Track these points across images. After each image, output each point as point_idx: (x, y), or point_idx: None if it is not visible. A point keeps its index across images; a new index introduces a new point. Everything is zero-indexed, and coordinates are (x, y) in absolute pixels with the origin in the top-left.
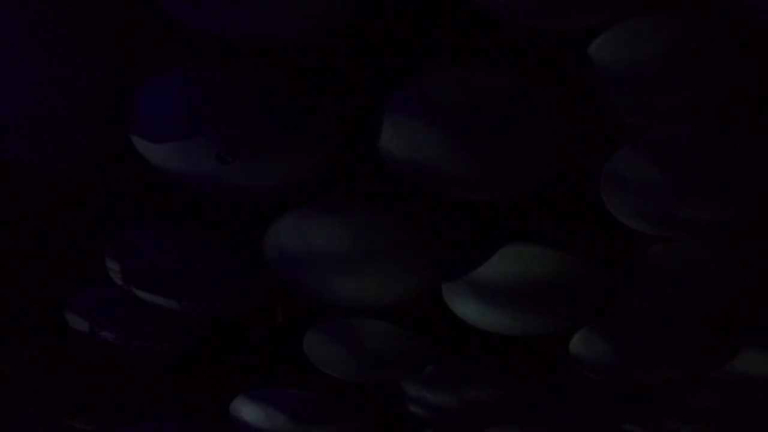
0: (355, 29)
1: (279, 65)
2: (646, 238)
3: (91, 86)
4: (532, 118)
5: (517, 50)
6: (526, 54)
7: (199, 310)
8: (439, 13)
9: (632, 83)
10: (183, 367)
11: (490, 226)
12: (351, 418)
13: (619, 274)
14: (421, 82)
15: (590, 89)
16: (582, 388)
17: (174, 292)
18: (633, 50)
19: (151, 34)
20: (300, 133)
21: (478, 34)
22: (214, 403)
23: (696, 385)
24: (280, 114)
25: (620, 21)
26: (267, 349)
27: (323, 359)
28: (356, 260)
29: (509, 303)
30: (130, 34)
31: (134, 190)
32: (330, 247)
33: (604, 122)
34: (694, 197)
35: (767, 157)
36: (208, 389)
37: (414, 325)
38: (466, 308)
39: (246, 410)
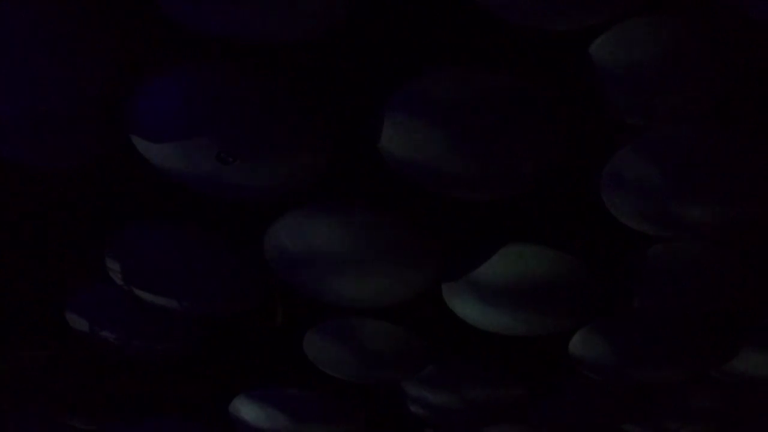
0: (355, 29)
1: (279, 65)
2: (646, 238)
3: (91, 86)
4: (532, 118)
5: (517, 50)
6: (526, 54)
7: (199, 310)
8: (439, 13)
9: (632, 83)
10: (183, 366)
11: (491, 226)
12: (351, 417)
13: (619, 274)
14: (421, 82)
15: (590, 89)
16: (582, 388)
17: (174, 292)
18: (633, 50)
19: (151, 34)
20: (300, 133)
21: (478, 34)
22: (214, 403)
23: (696, 385)
24: (280, 114)
25: (620, 21)
26: (267, 349)
27: (323, 359)
28: (356, 260)
29: (509, 303)
30: (130, 34)
31: (134, 190)
32: (330, 247)
33: (604, 122)
34: (694, 197)
35: (767, 157)
36: (208, 389)
37: (414, 325)
38: (466, 308)
39: (246, 410)
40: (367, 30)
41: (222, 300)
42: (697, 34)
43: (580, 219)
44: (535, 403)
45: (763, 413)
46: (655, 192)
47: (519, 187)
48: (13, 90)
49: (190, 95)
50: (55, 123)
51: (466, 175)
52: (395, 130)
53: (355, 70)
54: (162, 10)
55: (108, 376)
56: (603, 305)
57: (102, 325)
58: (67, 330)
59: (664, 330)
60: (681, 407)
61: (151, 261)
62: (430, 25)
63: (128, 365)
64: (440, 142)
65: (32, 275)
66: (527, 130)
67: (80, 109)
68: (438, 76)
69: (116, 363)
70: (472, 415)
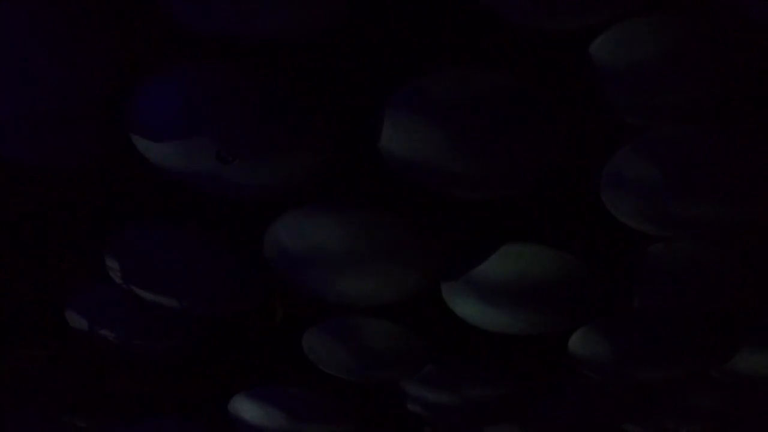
0: (355, 29)
1: (279, 65)
2: (646, 238)
3: (91, 86)
4: (532, 118)
5: (517, 50)
6: (526, 54)
7: (198, 309)
8: (439, 13)
9: (632, 83)
10: (183, 366)
11: (490, 226)
12: (350, 417)
13: (619, 273)
14: (421, 81)
15: (590, 89)
16: (582, 388)
17: (174, 292)
18: (633, 50)
19: (151, 34)
20: (300, 133)
21: (478, 34)
22: (214, 402)
23: (696, 385)
24: (280, 114)
25: (620, 21)
26: (266, 348)
27: (323, 358)
28: (356, 260)
29: (509, 302)
30: (130, 34)
31: (134, 190)
32: (330, 246)
33: (604, 122)
34: (694, 197)
35: (767, 157)
36: (208, 388)
37: (413, 324)
38: (466, 308)
39: (245, 409)
40: (367, 30)
41: (221, 299)
42: (697, 34)
43: (580, 219)
44: (534, 403)
45: (763, 413)
46: (655, 192)
47: (519, 186)
48: (13, 90)
49: (190, 95)
50: (54, 123)
51: (466, 175)
52: (395, 130)
53: (355, 70)
54: (162, 10)
55: (108, 376)
56: (603, 305)
57: (102, 324)
58: (67, 329)
59: (664, 330)
60: (681, 407)
61: (151, 260)
62: (430, 25)
63: (128, 365)
64: (440, 142)
65: (32, 275)
66: (527, 130)
67: (80, 108)
68: (438, 76)
69: (116, 362)
70: (472, 414)
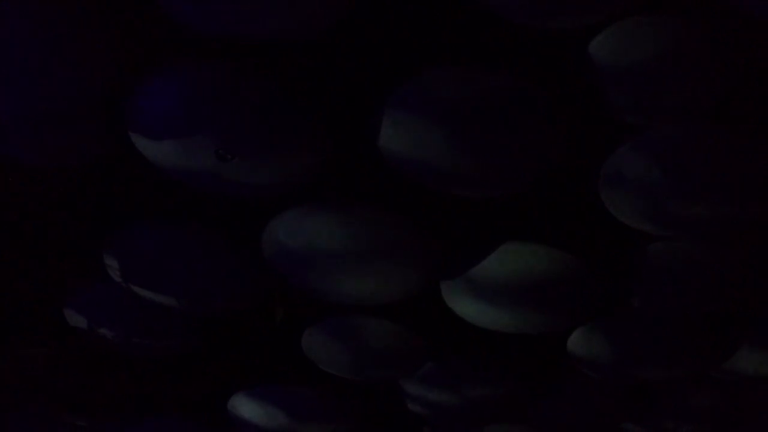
0: (355, 29)
1: (279, 65)
2: (645, 238)
3: (90, 85)
4: (531, 117)
5: (516, 49)
6: (525, 53)
7: (198, 308)
8: (439, 13)
9: (632, 83)
10: (182, 364)
11: (490, 225)
12: (349, 416)
13: (619, 273)
14: (421, 81)
15: (590, 88)
16: (582, 388)
17: (173, 291)
18: (633, 50)
19: (151, 34)
20: (300, 132)
21: (478, 33)
22: (213, 401)
23: (696, 385)
24: (280, 113)
25: (620, 20)
26: (266, 347)
27: (322, 357)
28: (355, 258)
29: (509, 301)
30: (130, 34)
31: (134, 189)
32: (329, 245)
33: (604, 122)
34: (694, 197)
35: (767, 157)
36: (207, 387)
37: (413, 323)
38: (466, 306)
39: (245, 408)
40: (367, 30)
41: (221, 298)
42: (697, 34)
43: (579, 218)
44: (534, 402)
45: (763, 413)
46: (655, 191)
47: (518, 185)
48: (13, 89)
49: (190, 94)
50: (54, 122)
51: (466, 174)
52: (395, 129)
53: (355, 70)
54: (162, 10)
55: (108, 376)
56: (603, 304)
57: (101, 324)
58: (67, 329)
59: (664, 330)
60: (681, 407)
61: (150, 259)
62: (430, 25)
63: (128, 364)
64: (440, 141)
65: (32, 274)
66: (527, 129)
67: (80, 108)
68: (438, 75)
69: (116, 362)
70: (471, 413)
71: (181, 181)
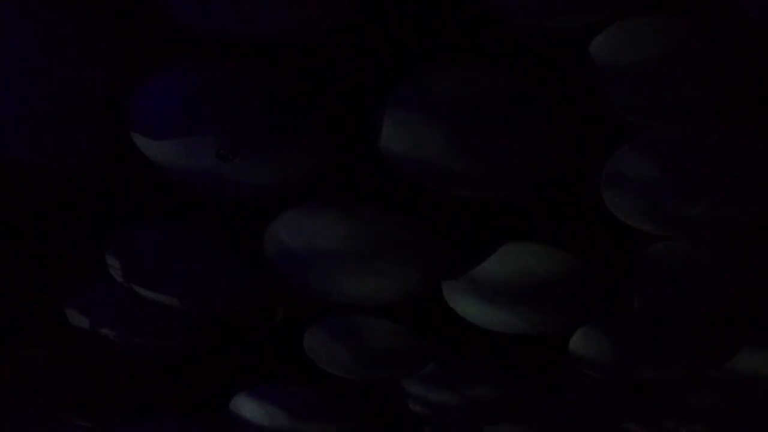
0: (355, 29)
1: (279, 64)
2: (646, 237)
3: (91, 86)
4: (532, 116)
5: (517, 49)
6: (525, 53)
7: (199, 308)
8: (440, 13)
9: (632, 83)
10: (183, 365)
11: (491, 225)
12: (351, 416)
13: (619, 273)
14: (421, 80)
15: (590, 88)
16: (582, 387)
17: (174, 290)
18: (633, 50)
19: (151, 33)
20: (300, 132)
21: (478, 33)
22: (215, 401)
23: (696, 385)
24: (281, 112)
25: (620, 20)
26: (267, 347)
27: (323, 357)
28: (357, 258)
29: (510, 301)
30: (130, 34)
31: (134, 189)
32: (330, 245)
33: (604, 121)
34: (695, 197)
35: (767, 157)
36: (209, 387)
37: (414, 323)
38: (467, 306)
39: (246, 408)
40: (367, 30)
41: (222, 298)
42: (697, 34)
43: (580, 218)
44: (534, 403)
45: (763, 413)
46: (655, 191)
47: (519, 185)
48: (14, 89)
49: (191, 94)
50: (55, 122)
51: (466, 174)
52: (395, 129)
53: (355, 70)
54: (162, 10)
55: (108, 376)
56: (603, 304)
57: (102, 323)
58: (67, 329)
59: (664, 330)
60: (681, 407)
61: (152, 259)
62: (430, 25)
63: (128, 364)
64: (440, 141)
65: (33, 273)
66: (527, 129)
67: (80, 107)
68: (438, 75)
69: (116, 362)
70: (472, 413)
71: (182, 180)
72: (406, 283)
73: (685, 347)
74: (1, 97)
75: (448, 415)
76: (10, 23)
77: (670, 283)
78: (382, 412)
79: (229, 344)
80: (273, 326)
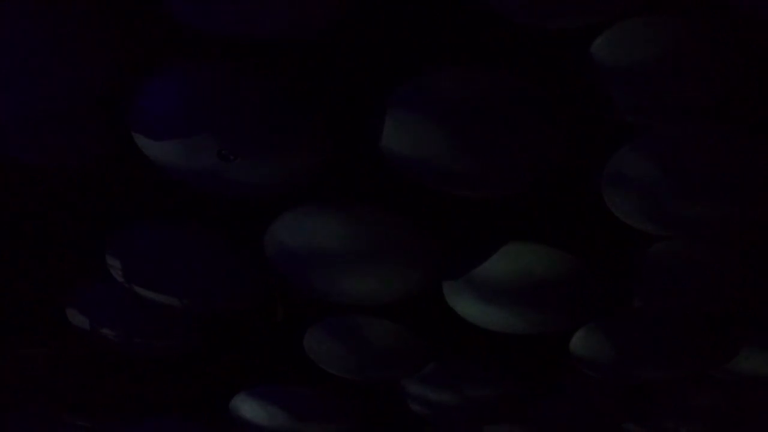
0: (355, 29)
1: (279, 64)
2: (646, 238)
3: (91, 86)
4: (532, 117)
5: (517, 49)
6: (526, 53)
7: (199, 308)
8: (439, 13)
9: (632, 83)
10: (183, 364)
11: (491, 225)
12: (351, 416)
13: (620, 273)
14: (422, 80)
15: (591, 88)
16: (582, 387)
17: (174, 290)
18: (633, 50)
19: (152, 33)
20: (300, 132)
21: (479, 33)
22: (215, 401)
23: (696, 385)
24: (281, 112)
25: (620, 21)
26: (267, 348)
27: (323, 357)
28: (357, 258)
29: (510, 301)
30: (130, 33)
31: (135, 189)
32: (330, 244)
33: (604, 121)
34: (695, 197)
35: (767, 157)
36: (209, 387)
37: (414, 323)
38: (467, 306)
39: (246, 408)
40: (367, 29)
41: (222, 298)
42: (697, 34)
43: (580, 218)
44: (534, 403)
45: (763, 413)
46: (656, 191)
47: (519, 185)
48: (14, 89)
49: (191, 94)
50: (55, 122)
51: (467, 174)
52: (396, 129)
53: (355, 69)
54: (162, 10)
55: (108, 376)
56: (603, 304)
57: (102, 323)
58: (68, 328)
59: (664, 330)
60: (681, 407)
61: (152, 259)
62: (430, 25)
63: (128, 364)
64: (441, 141)
65: (33, 273)
66: (527, 129)
67: (80, 107)
68: (438, 75)
69: (116, 362)
70: (472, 413)
71: (182, 180)
72: (406, 283)
73: (685, 347)
74: (1, 97)
75: (448, 415)
76: (10, 23)
77: (670, 283)
78: (382, 412)
79: (229, 344)
80: (273, 326)
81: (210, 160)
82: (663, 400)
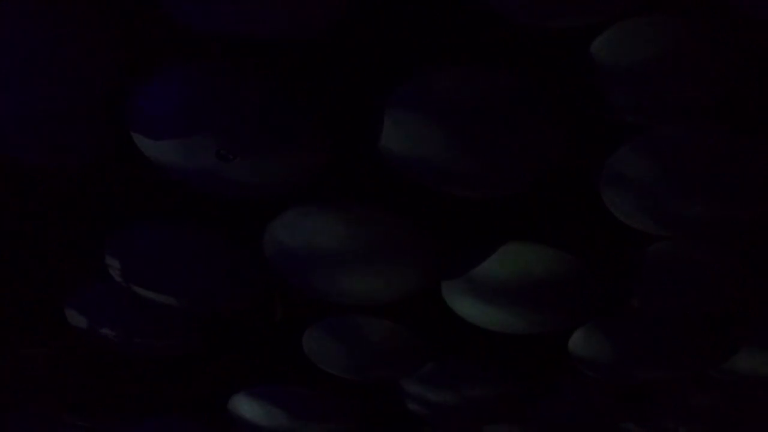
0: (355, 29)
1: (279, 64)
2: (646, 237)
3: (91, 86)
4: (532, 116)
5: (517, 49)
6: (526, 53)
7: (198, 308)
8: (439, 13)
9: (632, 83)
10: (183, 365)
11: (491, 225)
12: (350, 415)
13: (619, 273)
14: (421, 80)
15: (590, 88)
16: (581, 387)
17: (174, 290)
18: (633, 50)
19: (152, 33)
20: (300, 132)
21: (478, 33)
22: (214, 401)
23: (696, 385)
24: (281, 112)
25: (620, 21)
26: (266, 347)
27: (322, 357)
28: (356, 258)
29: (509, 301)
30: (130, 33)
31: (134, 189)
32: (329, 244)
33: (604, 121)
34: (694, 197)
35: (767, 157)
36: (208, 387)
37: (413, 323)
38: (466, 306)
39: (245, 408)
40: (367, 29)
41: (221, 298)
42: (697, 34)
43: (579, 217)
44: (534, 402)
45: (763, 413)
46: (655, 191)
47: (519, 185)
48: (13, 89)
49: (191, 94)
50: (54, 122)
51: (466, 174)
52: (396, 129)
53: (355, 69)
54: (162, 10)
55: (108, 376)
56: (603, 304)
57: (102, 323)
58: (67, 329)
59: (664, 330)
60: (681, 407)
61: (151, 259)
62: (430, 25)
63: (128, 364)
64: (440, 141)
65: (32, 273)
66: (527, 129)
67: (80, 107)
68: (438, 75)
69: (116, 362)
70: (471, 413)
71: (182, 180)
72: (406, 283)
73: (685, 347)
74: (1, 97)
75: (448, 415)
76: (10, 23)
77: (670, 283)
78: (382, 412)
79: (229, 344)
80: (273, 326)
81: (209, 160)
82: (662, 400)
